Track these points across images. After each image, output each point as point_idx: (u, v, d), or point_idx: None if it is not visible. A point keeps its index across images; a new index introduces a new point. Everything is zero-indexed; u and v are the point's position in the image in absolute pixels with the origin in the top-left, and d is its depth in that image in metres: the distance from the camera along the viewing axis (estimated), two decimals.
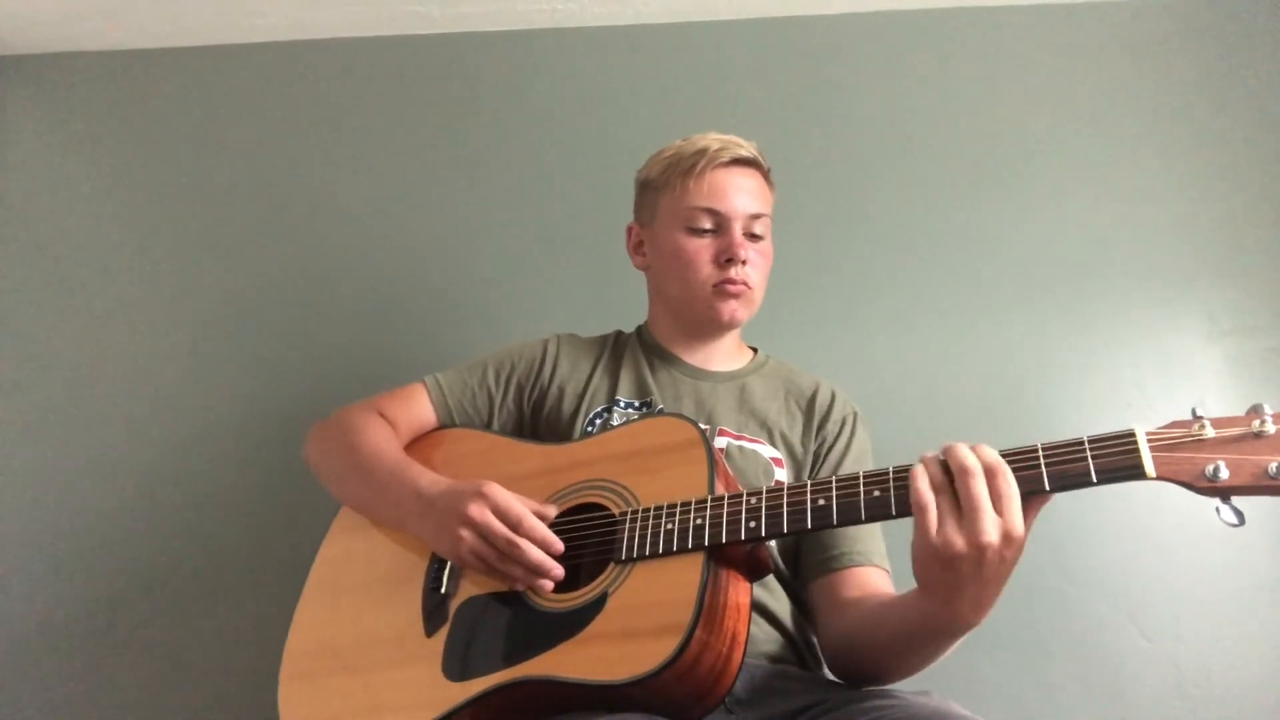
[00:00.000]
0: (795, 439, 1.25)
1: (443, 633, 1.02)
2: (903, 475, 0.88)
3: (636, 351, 1.33)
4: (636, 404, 1.25)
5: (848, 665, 1.08)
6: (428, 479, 1.09)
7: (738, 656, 0.92)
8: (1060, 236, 1.79)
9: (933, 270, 1.79)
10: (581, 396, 1.27)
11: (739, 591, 0.95)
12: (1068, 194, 1.81)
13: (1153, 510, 1.63)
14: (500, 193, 1.88)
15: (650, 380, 1.28)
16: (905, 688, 0.97)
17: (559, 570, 0.99)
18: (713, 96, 1.90)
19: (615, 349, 1.35)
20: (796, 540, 1.20)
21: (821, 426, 1.27)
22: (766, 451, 1.22)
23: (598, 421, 1.23)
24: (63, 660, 1.65)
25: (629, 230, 1.38)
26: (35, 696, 1.63)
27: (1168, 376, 1.69)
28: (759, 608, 1.11)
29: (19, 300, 1.84)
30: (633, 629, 0.90)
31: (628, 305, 1.44)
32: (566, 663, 0.92)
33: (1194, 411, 0.81)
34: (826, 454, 1.25)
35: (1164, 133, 1.83)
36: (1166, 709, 1.55)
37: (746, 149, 1.27)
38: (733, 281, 1.23)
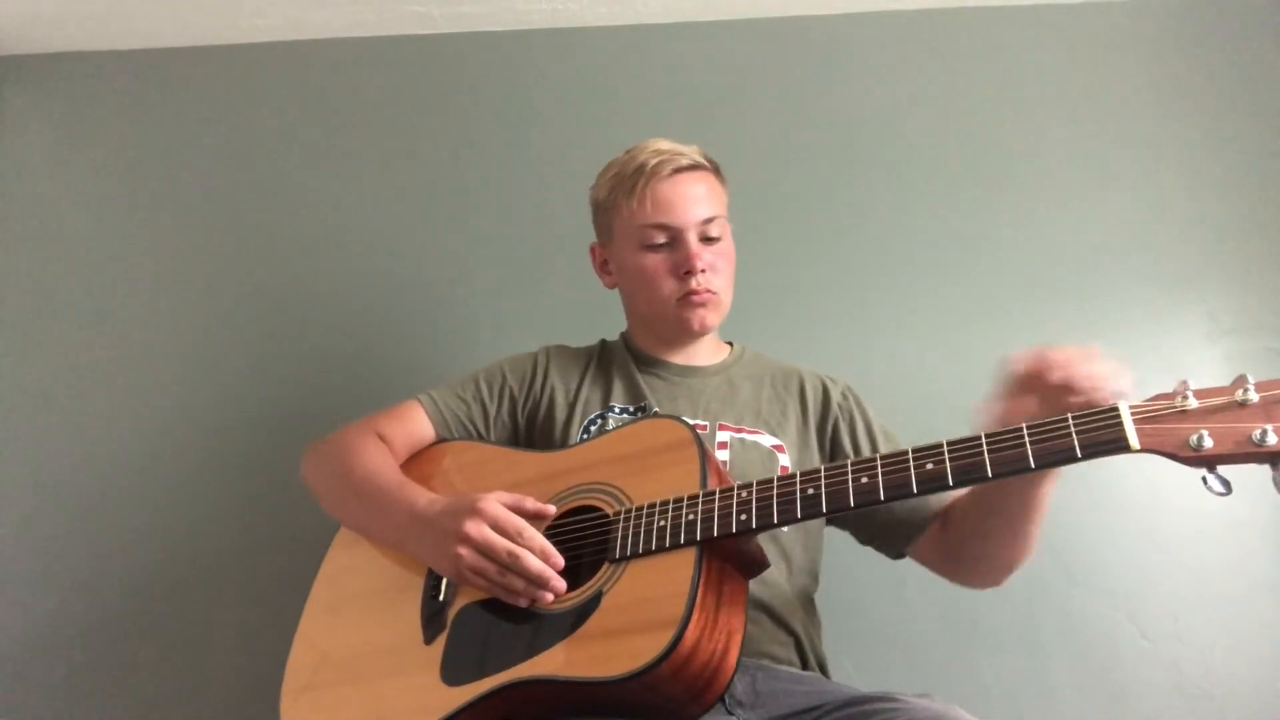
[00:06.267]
0: (791, 426, 1.27)
1: (441, 640, 1.02)
2: (889, 461, 0.90)
3: (625, 357, 1.34)
4: (631, 409, 1.26)
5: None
6: (424, 499, 1.09)
7: (734, 652, 0.92)
8: (1060, 236, 1.79)
9: (932, 270, 1.78)
10: (573, 405, 1.27)
11: (734, 587, 0.95)
12: (1067, 194, 1.81)
13: (1153, 510, 1.63)
14: (499, 193, 1.88)
15: (642, 384, 1.28)
16: (907, 690, 0.97)
17: (560, 583, 0.98)
18: (712, 96, 1.90)
19: (603, 357, 1.36)
20: (870, 524, 1.22)
21: (825, 416, 1.29)
22: (767, 441, 1.23)
23: (592, 428, 1.23)
24: (59, 670, 1.65)
25: (592, 251, 1.38)
26: (32, 704, 1.63)
27: (1167, 375, 1.67)
28: (763, 607, 1.12)
29: (19, 300, 1.84)
30: (628, 625, 0.91)
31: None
32: (563, 662, 0.92)
33: (1178, 384, 0.82)
34: (853, 437, 1.27)
35: (1164, 132, 1.83)
36: (1166, 709, 1.54)
37: (687, 156, 1.26)
38: (695, 292, 1.23)
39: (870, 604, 1.57)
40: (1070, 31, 1.89)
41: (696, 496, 0.96)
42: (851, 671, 1.52)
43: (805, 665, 1.15)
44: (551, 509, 1.04)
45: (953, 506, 1.16)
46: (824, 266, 1.80)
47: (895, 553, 1.23)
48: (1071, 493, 1.62)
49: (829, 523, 1.28)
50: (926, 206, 1.82)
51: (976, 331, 1.74)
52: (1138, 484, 1.63)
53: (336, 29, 1.95)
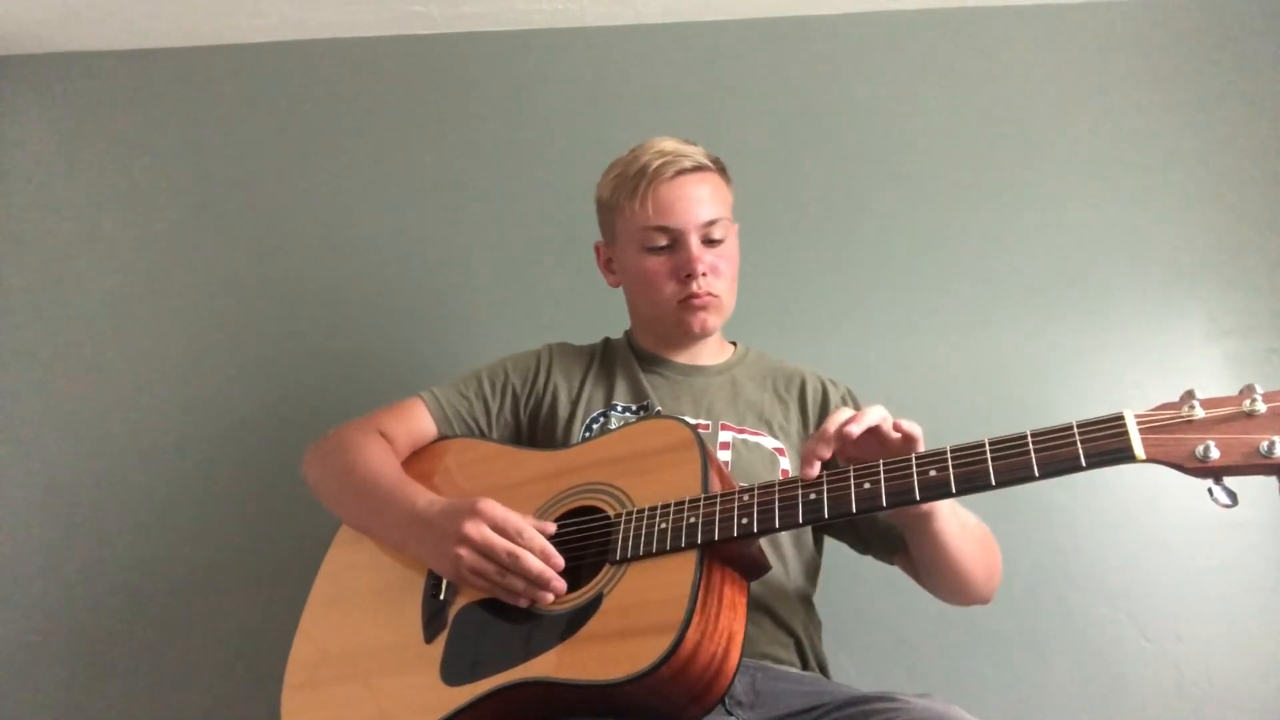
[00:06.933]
0: (793, 429, 1.27)
1: (441, 639, 1.02)
2: (892, 467, 0.90)
3: (628, 356, 1.33)
4: (634, 408, 1.25)
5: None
6: (424, 499, 1.09)
7: (734, 655, 0.92)
8: (1060, 236, 1.79)
9: (932, 270, 1.78)
10: (576, 403, 1.27)
11: (735, 589, 0.95)
12: (1068, 194, 1.81)
13: (1153, 510, 1.63)
14: (500, 193, 1.88)
15: (644, 383, 1.28)
16: (907, 690, 0.97)
17: (561, 583, 0.98)
18: (713, 96, 1.90)
19: (606, 355, 1.36)
20: (860, 534, 1.22)
21: (825, 419, 1.27)
22: (769, 443, 1.22)
23: (594, 427, 1.23)
24: (59, 668, 1.65)
25: (597, 249, 1.37)
26: (33, 705, 1.63)
27: (1167, 376, 1.69)
28: (763, 608, 1.12)
29: (19, 300, 1.84)
30: (628, 628, 0.91)
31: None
32: (563, 664, 0.92)
33: (1184, 393, 0.81)
34: None
35: (1164, 133, 1.83)
36: (1166, 709, 1.55)
37: (691, 157, 1.25)
38: (696, 295, 1.22)
39: (870, 604, 1.57)
40: (1070, 31, 1.89)
41: (698, 499, 0.96)
42: (851, 671, 1.52)
43: (805, 666, 1.15)
44: (551, 526, 1.03)
45: None
46: (824, 266, 1.80)
47: (888, 560, 1.24)
48: (1072, 494, 1.63)
49: (824, 532, 1.28)
50: (926, 207, 1.82)
51: (978, 333, 1.74)
52: (1138, 484, 1.63)
53: (336, 29, 1.95)
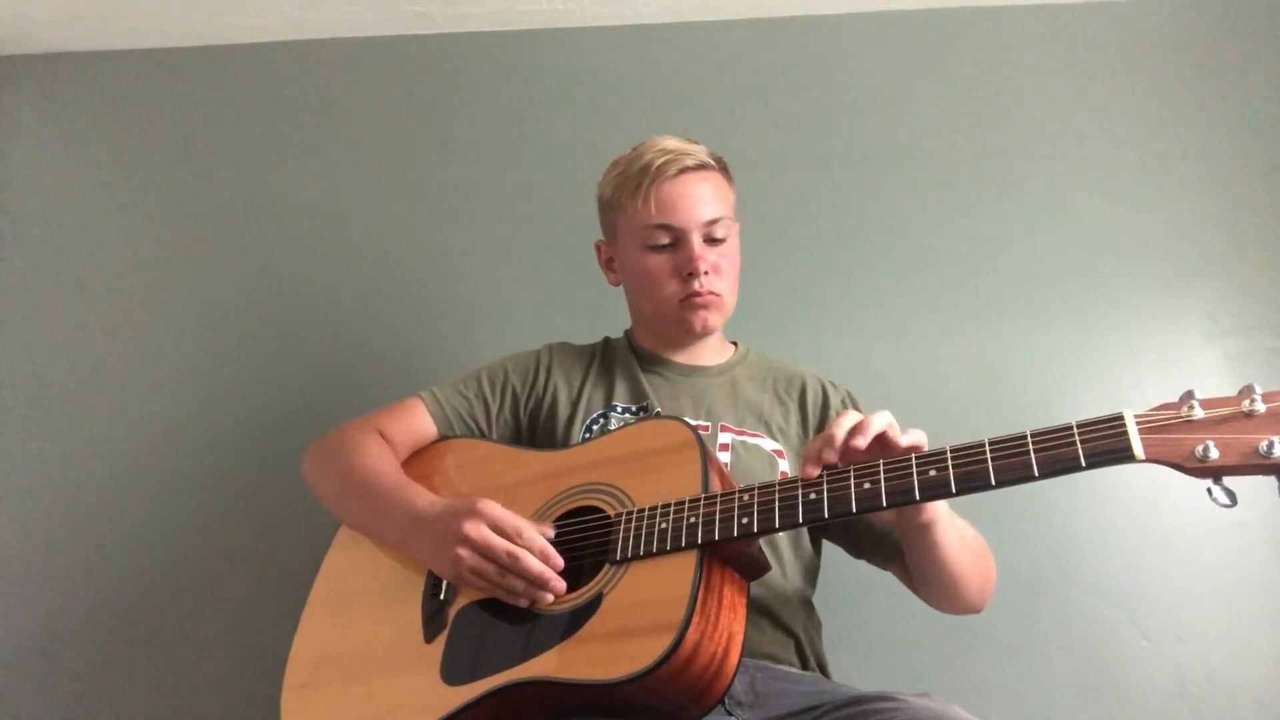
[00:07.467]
0: (792, 430, 1.27)
1: (441, 639, 1.03)
2: (892, 467, 0.90)
3: (628, 356, 1.33)
4: (633, 408, 1.25)
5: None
6: (424, 500, 1.09)
7: (734, 655, 0.92)
8: (1060, 236, 1.79)
9: (932, 270, 1.78)
10: (576, 404, 1.27)
11: (735, 589, 0.95)
12: (1067, 194, 1.81)
13: (1153, 510, 1.63)
14: (500, 192, 1.88)
15: (644, 383, 1.28)
16: (907, 690, 0.97)
17: (560, 584, 0.98)
18: (713, 96, 1.90)
19: (606, 355, 1.35)
20: (856, 539, 1.22)
21: (825, 421, 1.28)
22: (768, 445, 1.22)
23: (594, 428, 1.23)
24: (58, 670, 1.65)
25: (598, 248, 1.37)
26: (33, 706, 1.63)
27: (1167, 376, 1.69)
28: (762, 609, 1.12)
29: (19, 300, 1.84)
30: (628, 628, 0.91)
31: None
32: (563, 664, 0.92)
33: (1184, 393, 0.81)
34: None
35: (1164, 132, 1.83)
36: (1166, 709, 1.55)
37: (694, 156, 1.25)
38: (697, 294, 1.22)
39: (870, 604, 1.57)
40: (1070, 31, 1.89)
41: (698, 499, 0.96)
42: (851, 671, 1.52)
43: (805, 666, 1.15)
44: (549, 529, 1.04)
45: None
46: (823, 266, 1.80)
47: (882, 566, 1.24)
48: (1072, 494, 1.63)
49: (821, 535, 1.28)
50: (924, 207, 1.82)
51: (977, 332, 1.74)
52: (1138, 484, 1.63)
53: (336, 29, 1.95)
